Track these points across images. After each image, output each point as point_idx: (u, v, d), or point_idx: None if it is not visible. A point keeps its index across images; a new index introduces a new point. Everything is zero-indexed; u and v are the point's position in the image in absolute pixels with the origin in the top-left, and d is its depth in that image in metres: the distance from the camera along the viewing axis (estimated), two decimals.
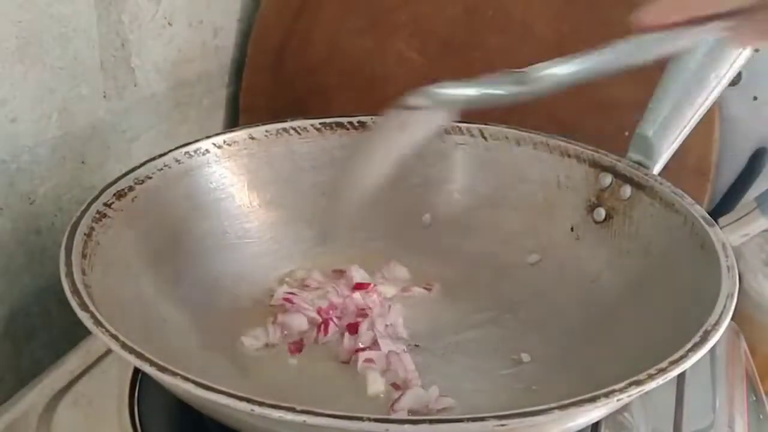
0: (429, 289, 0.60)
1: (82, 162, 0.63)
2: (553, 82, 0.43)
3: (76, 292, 0.43)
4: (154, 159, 0.57)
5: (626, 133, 0.60)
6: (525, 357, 0.53)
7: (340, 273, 0.61)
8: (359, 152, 0.47)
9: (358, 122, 0.64)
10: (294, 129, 0.63)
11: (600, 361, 0.50)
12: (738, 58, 0.56)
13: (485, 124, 0.64)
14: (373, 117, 0.65)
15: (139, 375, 0.51)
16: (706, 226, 0.51)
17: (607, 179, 0.59)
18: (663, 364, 0.39)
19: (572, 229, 0.60)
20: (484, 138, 0.64)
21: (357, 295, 0.57)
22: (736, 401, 0.54)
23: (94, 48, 0.62)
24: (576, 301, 0.57)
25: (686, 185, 0.57)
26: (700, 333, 0.41)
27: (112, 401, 0.50)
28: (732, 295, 0.45)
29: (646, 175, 0.57)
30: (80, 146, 0.63)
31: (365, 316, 0.55)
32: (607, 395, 0.37)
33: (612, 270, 0.57)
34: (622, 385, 0.38)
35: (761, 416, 0.56)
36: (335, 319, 0.55)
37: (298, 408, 0.35)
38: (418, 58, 0.76)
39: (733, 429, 0.51)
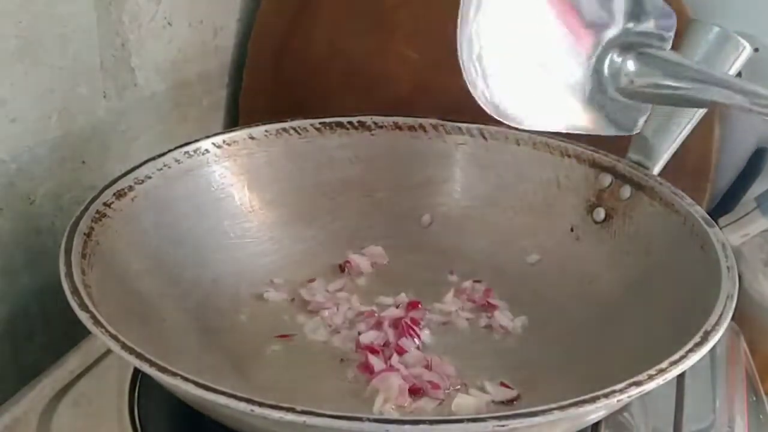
0: None
1: (82, 162, 0.63)
2: None
3: (75, 292, 0.43)
4: (153, 159, 0.57)
5: None
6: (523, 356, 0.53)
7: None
8: None
9: (358, 122, 0.65)
10: (294, 129, 0.63)
11: (600, 361, 0.50)
12: (738, 58, 0.56)
13: (485, 124, 0.64)
14: (373, 117, 0.65)
15: (139, 375, 0.51)
16: (706, 227, 0.51)
17: (607, 179, 0.59)
18: (663, 365, 0.39)
19: (572, 229, 0.61)
20: (484, 138, 0.64)
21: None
22: (736, 401, 0.54)
23: (94, 48, 0.62)
24: (576, 301, 0.57)
25: (686, 185, 0.57)
26: (700, 333, 0.41)
27: (112, 401, 0.50)
28: (732, 295, 0.45)
29: (646, 175, 0.57)
30: (80, 146, 0.63)
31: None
32: (607, 395, 0.37)
33: (612, 270, 0.57)
34: (622, 385, 0.38)
35: (761, 416, 0.56)
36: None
37: (299, 408, 0.35)
38: (418, 58, 0.76)
39: (733, 429, 0.51)
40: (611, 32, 0.48)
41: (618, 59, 0.48)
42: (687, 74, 0.46)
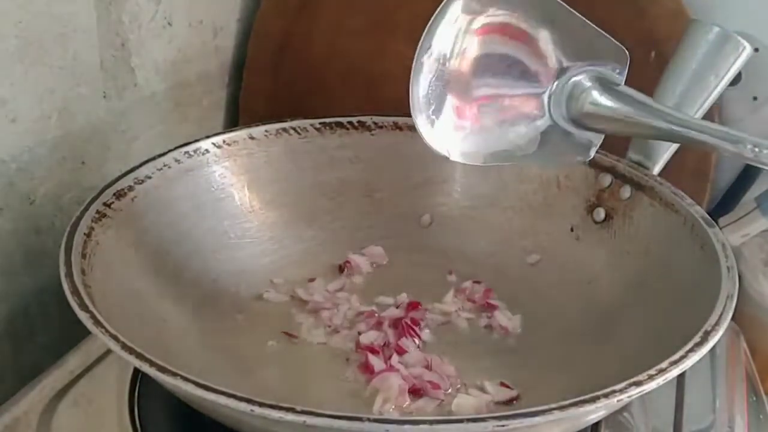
0: None
1: (82, 162, 0.63)
2: None
3: (75, 292, 0.43)
4: (153, 159, 0.57)
5: None
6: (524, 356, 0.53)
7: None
8: None
9: (358, 122, 0.65)
10: (294, 129, 0.63)
11: (600, 361, 0.50)
12: (738, 58, 0.56)
13: None
14: (373, 117, 0.65)
15: (139, 375, 0.51)
16: (706, 227, 0.51)
17: (607, 179, 0.59)
18: (663, 365, 0.39)
19: (572, 229, 0.61)
20: None
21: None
22: (736, 401, 0.54)
23: (94, 48, 0.62)
24: (576, 301, 0.57)
25: (686, 185, 0.57)
26: (700, 333, 0.41)
27: (112, 401, 0.50)
28: (732, 295, 0.45)
29: (646, 175, 0.57)
30: (80, 146, 0.63)
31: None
32: (607, 395, 0.37)
33: (612, 270, 0.57)
34: (622, 385, 0.38)
35: (761, 416, 0.56)
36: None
37: (298, 408, 0.35)
38: None
39: (733, 429, 0.51)
40: (565, 71, 0.51)
41: (587, 84, 0.50)
42: (653, 112, 0.49)
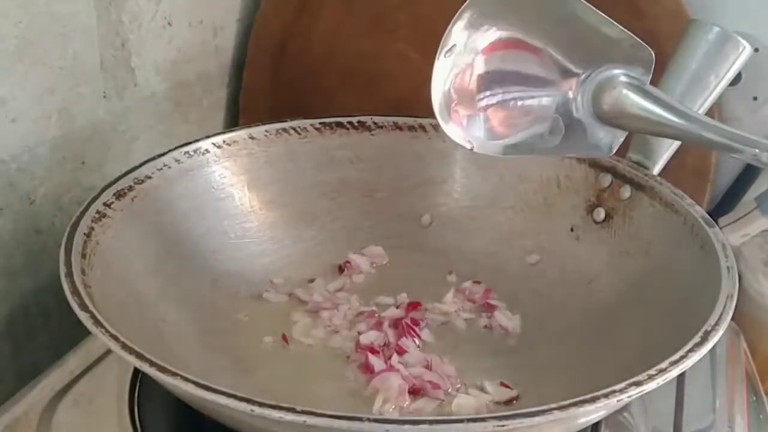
0: None
1: (82, 162, 0.63)
2: None
3: (76, 292, 0.43)
4: (153, 159, 0.57)
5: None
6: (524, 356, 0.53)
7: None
8: None
9: (358, 122, 0.65)
10: (294, 129, 0.63)
11: (600, 361, 0.50)
12: (738, 58, 0.56)
13: None
14: (373, 117, 0.65)
15: (139, 375, 0.51)
16: (706, 227, 0.51)
17: (607, 179, 0.59)
18: (663, 365, 0.39)
19: (572, 229, 0.61)
20: None
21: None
22: (736, 401, 0.54)
23: (94, 48, 0.62)
24: (576, 301, 0.57)
25: (686, 185, 0.57)
26: (700, 333, 0.41)
27: (112, 401, 0.50)
28: (732, 295, 0.45)
29: (646, 175, 0.57)
30: (80, 146, 0.63)
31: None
32: (607, 395, 0.37)
33: (612, 270, 0.57)
34: (622, 385, 0.38)
35: (761, 416, 0.56)
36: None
37: (299, 408, 0.35)
38: (418, 58, 0.76)
39: (733, 429, 0.51)
40: (593, 67, 0.51)
41: (619, 80, 0.50)
42: (674, 112, 0.49)
